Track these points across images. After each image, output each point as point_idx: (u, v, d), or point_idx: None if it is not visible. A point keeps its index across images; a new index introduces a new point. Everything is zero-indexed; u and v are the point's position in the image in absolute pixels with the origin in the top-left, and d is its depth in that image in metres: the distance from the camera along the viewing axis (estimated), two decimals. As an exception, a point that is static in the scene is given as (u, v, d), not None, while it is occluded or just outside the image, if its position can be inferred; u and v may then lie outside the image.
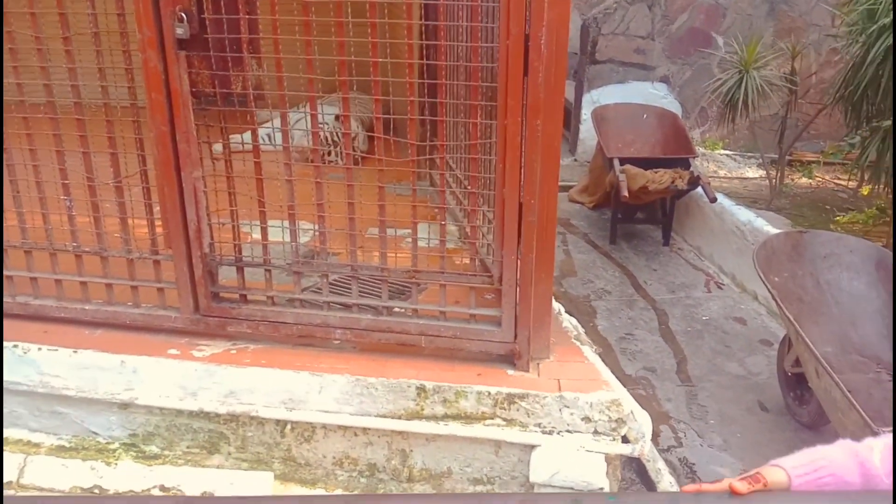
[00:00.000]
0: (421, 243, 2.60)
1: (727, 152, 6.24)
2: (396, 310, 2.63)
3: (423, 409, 2.51)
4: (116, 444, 2.70)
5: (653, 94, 6.03)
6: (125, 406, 2.64)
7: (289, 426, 2.56)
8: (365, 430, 2.54)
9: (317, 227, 2.58)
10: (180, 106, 2.38)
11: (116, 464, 2.63)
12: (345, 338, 2.64)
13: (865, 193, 5.10)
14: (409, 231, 2.55)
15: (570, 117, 6.31)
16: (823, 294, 3.04)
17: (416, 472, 2.58)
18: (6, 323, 2.71)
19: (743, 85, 4.60)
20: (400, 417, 2.51)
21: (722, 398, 3.58)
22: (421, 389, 2.49)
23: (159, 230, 2.66)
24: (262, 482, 2.54)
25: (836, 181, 5.74)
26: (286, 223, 2.56)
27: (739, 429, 3.31)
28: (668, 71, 6.10)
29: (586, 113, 5.94)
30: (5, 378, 2.63)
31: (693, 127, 6.22)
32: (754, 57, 4.68)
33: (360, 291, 2.64)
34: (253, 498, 0.71)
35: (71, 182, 2.63)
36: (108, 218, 2.66)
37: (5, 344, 2.63)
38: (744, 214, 4.67)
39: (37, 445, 2.67)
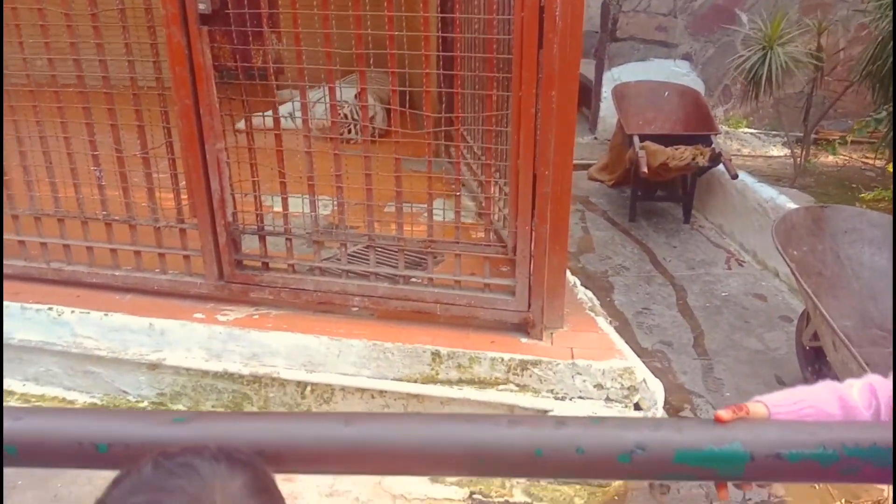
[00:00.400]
0: (438, 218, 2.67)
1: (751, 131, 6.18)
2: (413, 279, 2.70)
3: (437, 374, 2.58)
4: (145, 403, 2.83)
5: (675, 71, 5.98)
6: (154, 367, 2.76)
7: (309, 388, 2.66)
8: (382, 392, 2.63)
9: (335, 199, 2.65)
10: (203, 80, 2.46)
11: (145, 423, 2.75)
12: (362, 305, 2.72)
13: (892, 170, 5.04)
14: (426, 205, 2.61)
15: (591, 95, 6.30)
16: (844, 269, 3.04)
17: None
18: (42, 287, 2.84)
19: (766, 61, 4.56)
20: (415, 381, 2.59)
21: (739, 372, 3.60)
22: (436, 355, 2.57)
23: (185, 200, 2.76)
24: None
25: (863, 160, 5.66)
26: (306, 196, 2.64)
27: (754, 402, 3.33)
28: (690, 48, 6.05)
29: (607, 91, 5.92)
30: (41, 338, 2.77)
31: (716, 105, 6.17)
32: (779, 33, 4.62)
33: (377, 261, 2.71)
34: (251, 414, 0.77)
35: (100, 154, 2.73)
36: (136, 189, 2.76)
37: (41, 306, 2.76)
38: (766, 191, 4.65)
39: (71, 403, 2.80)
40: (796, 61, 4.69)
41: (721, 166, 4.74)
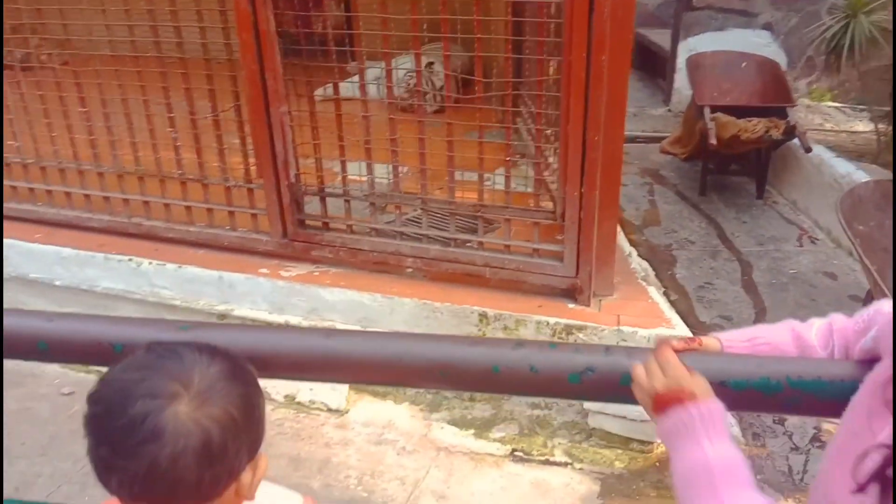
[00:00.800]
0: (498, 185, 2.72)
1: (836, 104, 5.90)
2: (464, 242, 2.78)
3: (484, 335, 2.66)
4: (214, 353, 3.03)
5: (755, 42, 5.75)
6: (222, 317, 2.95)
7: (361, 343, 2.79)
8: (430, 350, 2.72)
9: (389, 165, 2.74)
10: (268, 45, 2.59)
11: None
12: (415, 266, 2.82)
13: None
14: (485, 173, 2.67)
15: (665, 66, 6.14)
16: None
17: (478, 394, 2.75)
18: (123, 240, 3.08)
19: (849, 31, 4.35)
20: (463, 341, 2.68)
21: (799, 350, 3.52)
22: (483, 316, 2.64)
23: (252, 163, 2.92)
24: (340, 389, 2.80)
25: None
26: (371, 162, 2.73)
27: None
28: (771, 18, 5.80)
29: (682, 62, 5.77)
30: (123, 286, 3.00)
31: (799, 77, 5.91)
32: (865, 0, 4.39)
33: (430, 225, 2.80)
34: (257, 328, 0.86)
35: (176, 117, 2.91)
36: (208, 150, 2.94)
37: (122, 257, 2.99)
38: (843, 166, 4.46)
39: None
40: (883, 31, 4.45)
41: (797, 140, 4.57)
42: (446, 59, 2.62)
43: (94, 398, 0.78)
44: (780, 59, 5.70)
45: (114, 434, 0.74)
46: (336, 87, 2.70)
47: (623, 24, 2.33)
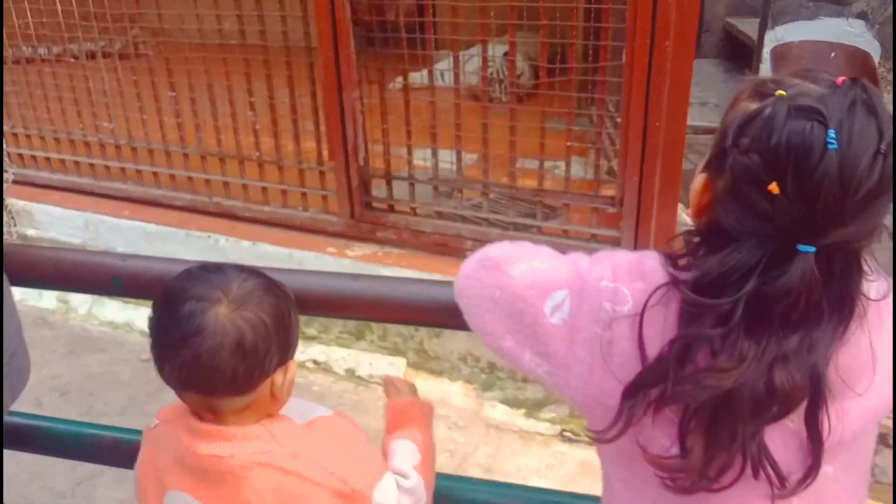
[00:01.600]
0: (558, 172, 2.76)
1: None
2: (524, 226, 2.82)
3: (540, 318, 2.70)
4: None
5: (847, 31, 5.48)
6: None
7: (421, 321, 2.89)
8: (487, 331, 2.79)
9: (454, 151, 2.82)
10: (344, 32, 2.71)
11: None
12: (475, 248, 2.88)
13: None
14: (554, 161, 2.71)
15: (752, 57, 5.94)
16: None
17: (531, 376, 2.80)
18: (204, 218, 3.29)
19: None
20: (519, 323, 2.73)
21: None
22: (539, 299, 2.69)
23: (325, 147, 3.06)
24: (397, 366, 2.91)
25: None
26: (443, 149, 2.82)
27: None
28: (867, 6, 5.51)
29: (769, 51, 5.58)
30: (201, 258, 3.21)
31: (893, 69, 5.60)
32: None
33: (491, 210, 2.87)
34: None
35: (255, 101, 3.09)
36: (284, 134, 3.09)
37: (201, 233, 3.20)
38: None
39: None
40: None
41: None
42: (512, 47, 2.67)
43: (155, 301, 0.94)
44: (874, 49, 5.42)
45: (167, 330, 0.90)
46: (406, 77, 2.80)
47: (688, 10, 2.31)
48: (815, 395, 0.73)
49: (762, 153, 0.68)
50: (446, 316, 1.01)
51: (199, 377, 0.89)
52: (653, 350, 0.75)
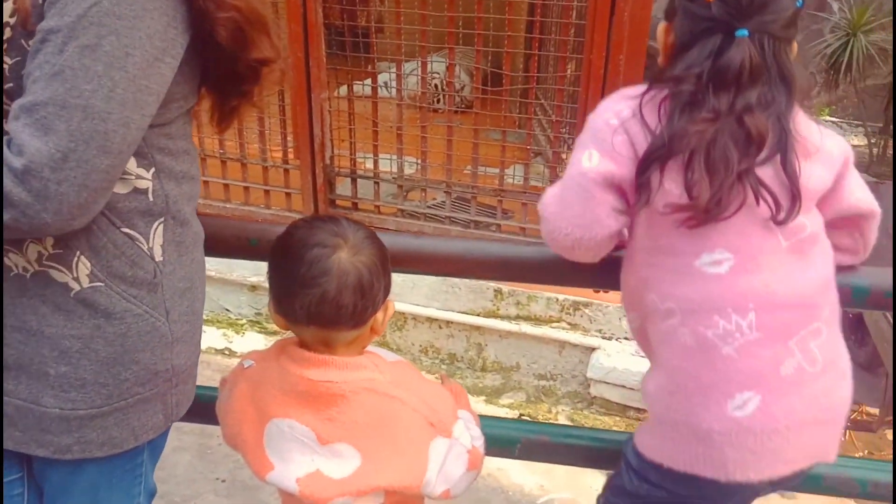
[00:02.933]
0: (510, 179, 2.98)
1: (833, 119, 6.14)
2: (482, 224, 3.01)
3: (498, 309, 2.90)
4: (244, 321, 3.26)
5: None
6: (253, 288, 3.18)
7: (385, 313, 3.02)
8: (448, 323, 2.96)
9: (419, 160, 2.99)
10: (314, 35, 2.83)
11: (244, 334, 3.19)
12: (437, 244, 3.05)
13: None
14: (498, 170, 2.94)
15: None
16: (890, 242, 3.16)
17: (489, 364, 2.98)
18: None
19: (849, 49, 4.59)
20: (478, 315, 2.92)
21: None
22: (497, 292, 2.88)
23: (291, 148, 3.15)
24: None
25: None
26: (395, 157, 2.99)
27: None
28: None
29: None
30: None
31: (800, 92, 6.16)
32: (864, 20, 4.64)
33: (451, 208, 3.04)
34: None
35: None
36: (249, 131, 3.17)
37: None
38: (837, 177, 4.71)
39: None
40: (881, 50, 4.70)
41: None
42: (451, 66, 2.88)
43: (277, 249, 1.05)
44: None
45: (294, 272, 1.00)
46: (350, 88, 2.95)
47: (640, 27, 2.57)
48: (784, 141, 0.98)
49: None
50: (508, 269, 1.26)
51: (326, 312, 1.00)
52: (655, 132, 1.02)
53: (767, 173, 0.99)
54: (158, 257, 1.00)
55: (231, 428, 1.12)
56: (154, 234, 0.99)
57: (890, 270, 1.25)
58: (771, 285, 1.01)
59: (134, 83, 0.87)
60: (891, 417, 2.64)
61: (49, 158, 0.82)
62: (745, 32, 0.96)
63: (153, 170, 0.98)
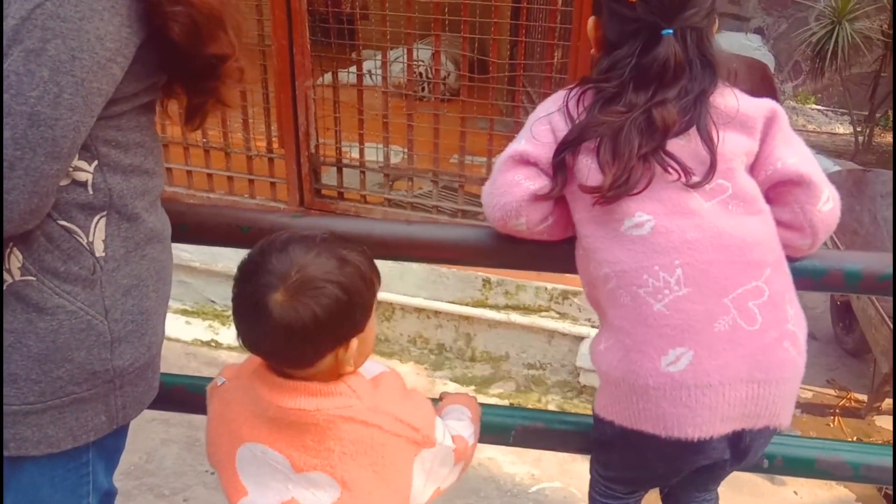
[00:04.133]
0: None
1: (819, 107, 6.18)
2: (469, 213, 2.99)
3: (487, 299, 2.88)
4: (229, 312, 3.22)
5: (746, 45, 6.00)
6: (239, 279, 3.14)
7: (372, 304, 3.00)
8: (436, 312, 2.94)
9: (405, 149, 2.96)
10: (299, 22, 2.79)
11: (229, 325, 3.15)
12: (424, 234, 3.02)
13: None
14: (485, 159, 2.91)
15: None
16: (879, 230, 3.17)
17: (478, 354, 2.97)
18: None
19: (834, 37, 4.61)
20: (467, 304, 2.90)
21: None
22: (486, 281, 2.86)
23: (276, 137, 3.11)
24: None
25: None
26: (380, 145, 2.96)
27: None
28: (763, 23, 6.07)
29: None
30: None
31: (786, 80, 6.19)
32: (849, 8, 4.66)
33: (439, 197, 3.02)
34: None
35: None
36: (233, 120, 3.12)
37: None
38: (822, 162, 4.72)
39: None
40: (865, 38, 4.72)
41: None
42: (437, 54, 2.85)
43: (235, 276, 0.97)
44: (770, 61, 5.96)
45: (236, 303, 0.96)
46: (335, 76, 2.91)
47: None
48: (702, 116, 1.05)
49: None
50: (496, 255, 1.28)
51: (264, 350, 0.95)
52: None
53: (679, 145, 1.06)
54: (99, 252, 0.96)
55: (209, 447, 1.07)
56: (95, 228, 0.95)
57: (883, 255, 1.24)
58: (692, 240, 1.05)
59: (83, 87, 0.85)
60: (879, 404, 2.65)
61: None
62: (671, 31, 1.03)
63: (96, 163, 0.94)
